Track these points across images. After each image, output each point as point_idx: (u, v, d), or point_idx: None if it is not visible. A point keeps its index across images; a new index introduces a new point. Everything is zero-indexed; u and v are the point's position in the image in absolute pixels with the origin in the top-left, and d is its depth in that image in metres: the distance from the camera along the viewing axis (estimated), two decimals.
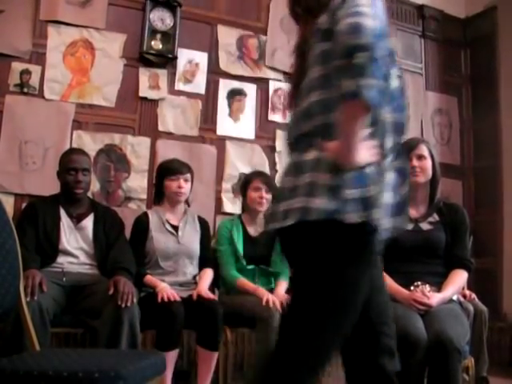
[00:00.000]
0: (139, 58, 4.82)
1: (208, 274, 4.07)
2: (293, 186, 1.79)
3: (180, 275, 3.99)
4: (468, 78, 6.71)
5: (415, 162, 3.10)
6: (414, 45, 6.36)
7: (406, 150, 3.14)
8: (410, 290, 2.95)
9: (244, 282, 4.05)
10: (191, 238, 4.09)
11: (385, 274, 3.04)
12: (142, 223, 4.00)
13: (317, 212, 1.70)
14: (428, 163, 3.15)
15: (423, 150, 3.17)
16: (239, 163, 5.11)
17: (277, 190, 1.96)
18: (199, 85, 5.05)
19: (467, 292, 4.81)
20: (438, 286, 3.00)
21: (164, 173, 4.09)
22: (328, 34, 1.76)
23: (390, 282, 3.00)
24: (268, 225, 1.86)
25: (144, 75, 4.82)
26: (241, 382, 4.53)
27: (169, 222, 4.06)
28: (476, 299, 4.79)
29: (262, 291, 3.94)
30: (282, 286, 4.16)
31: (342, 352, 2.02)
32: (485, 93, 6.39)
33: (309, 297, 1.76)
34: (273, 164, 5.28)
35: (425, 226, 3.12)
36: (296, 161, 1.85)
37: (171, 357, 3.52)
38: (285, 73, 5.41)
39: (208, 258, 4.14)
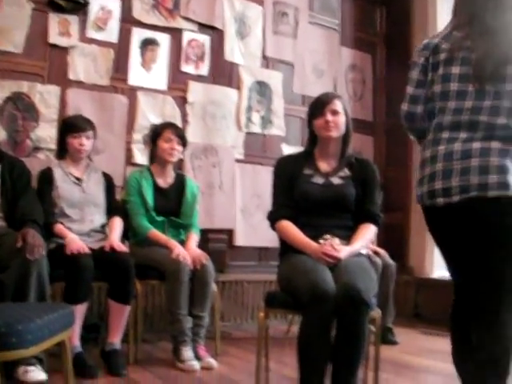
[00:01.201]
0: (48, 2, 4.63)
1: (117, 224, 4.04)
2: None
3: (87, 223, 3.95)
4: (383, 36, 6.82)
5: (329, 117, 3.11)
6: (330, 0, 6.37)
7: (321, 104, 3.16)
8: (319, 242, 2.97)
9: (155, 233, 4.06)
10: (95, 188, 4.06)
11: (294, 226, 3.08)
12: (46, 175, 3.93)
13: None
14: (342, 119, 3.16)
15: (337, 105, 3.17)
16: (151, 114, 5.04)
17: None
18: (111, 33, 4.93)
19: (377, 248, 4.95)
20: (347, 240, 3.04)
21: (66, 129, 4.04)
22: None
23: (299, 234, 3.03)
24: None
25: (54, 21, 4.65)
26: (150, 334, 4.54)
27: (72, 175, 4.00)
28: (386, 255, 4.94)
29: (173, 244, 3.96)
30: (193, 239, 4.20)
31: None
32: (399, 51, 6.50)
33: None
34: (184, 115, 5.24)
35: (335, 180, 3.14)
36: None
37: (80, 310, 3.50)
38: (200, 24, 5.34)
39: (114, 206, 4.12)
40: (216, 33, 5.50)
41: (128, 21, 5.02)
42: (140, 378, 3.57)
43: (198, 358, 3.81)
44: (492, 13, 2.40)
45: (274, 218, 3.16)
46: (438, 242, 2.54)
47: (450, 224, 2.40)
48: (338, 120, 3.13)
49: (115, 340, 3.74)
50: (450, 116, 2.40)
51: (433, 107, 2.51)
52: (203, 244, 4.47)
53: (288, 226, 3.09)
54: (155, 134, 4.26)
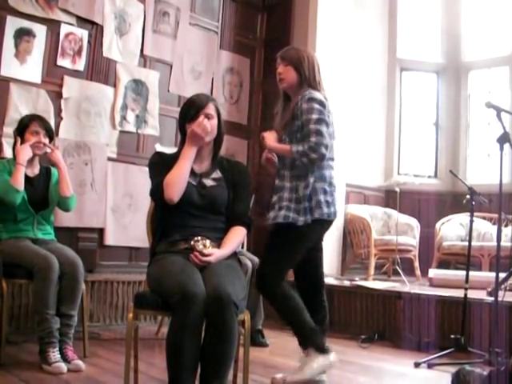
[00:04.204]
0: None
1: None
2: None
3: None
4: (262, 41, 6.92)
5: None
6: (213, 3, 6.42)
7: (195, 108, 3.15)
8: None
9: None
10: None
11: None
12: None
13: None
14: (215, 122, 3.17)
15: (211, 108, 3.19)
16: (23, 108, 4.88)
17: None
18: None
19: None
20: (218, 242, 3.06)
21: None
22: None
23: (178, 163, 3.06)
24: None
25: None
26: (16, 336, 4.40)
27: None
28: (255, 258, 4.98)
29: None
30: None
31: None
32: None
33: None
34: (58, 111, 5.13)
35: (208, 182, 3.15)
36: None
37: None
38: (78, 17, 5.23)
39: None
40: (95, 28, 5.41)
41: (2, 8, 4.81)
42: (3, 382, 3.43)
43: (65, 359, 3.71)
44: None
45: (157, 188, 3.03)
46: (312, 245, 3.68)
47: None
48: (211, 124, 3.14)
49: None
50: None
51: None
52: (73, 242, 4.38)
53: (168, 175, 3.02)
54: (22, 127, 4.13)
